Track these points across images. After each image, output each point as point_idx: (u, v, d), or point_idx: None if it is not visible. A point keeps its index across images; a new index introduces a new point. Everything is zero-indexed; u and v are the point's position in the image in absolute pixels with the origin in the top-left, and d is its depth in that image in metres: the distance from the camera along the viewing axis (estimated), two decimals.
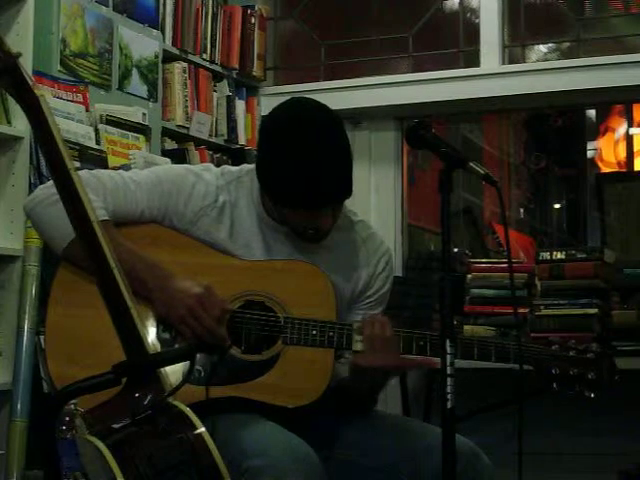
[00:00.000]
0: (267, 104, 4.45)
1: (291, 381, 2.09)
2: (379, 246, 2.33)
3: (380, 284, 2.30)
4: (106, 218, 2.11)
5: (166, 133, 3.91)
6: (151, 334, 2.09)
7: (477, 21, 4.34)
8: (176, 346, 2.09)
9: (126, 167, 3.09)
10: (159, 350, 2.06)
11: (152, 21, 3.80)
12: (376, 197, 4.38)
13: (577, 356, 2.12)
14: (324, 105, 2.18)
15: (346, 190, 2.13)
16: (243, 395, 2.06)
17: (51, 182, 2.10)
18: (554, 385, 2.10)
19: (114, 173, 2.27)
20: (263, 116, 2.25)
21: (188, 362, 1.76)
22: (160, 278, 2.09)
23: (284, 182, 2.09)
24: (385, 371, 2.13)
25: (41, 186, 2.20)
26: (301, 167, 2.08)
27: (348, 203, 2.24)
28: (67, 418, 2.87)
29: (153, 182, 2.20)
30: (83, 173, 2.22)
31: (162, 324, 2.11)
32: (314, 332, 2.10)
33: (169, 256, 2.14)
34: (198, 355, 1.81)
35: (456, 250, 4.82)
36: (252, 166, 2.31)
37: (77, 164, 3.02)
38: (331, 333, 2.10)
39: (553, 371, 2.10)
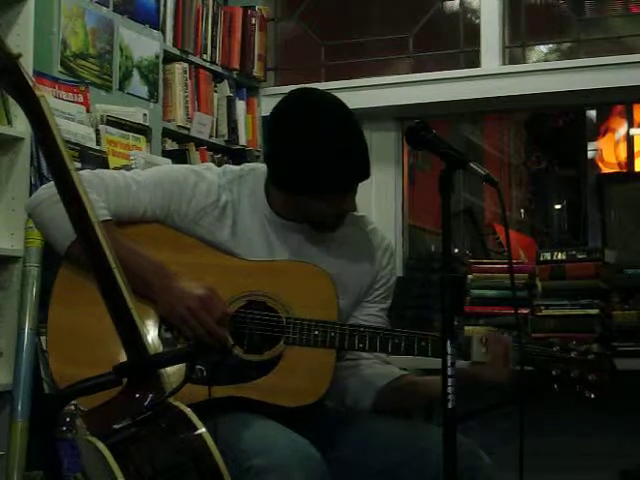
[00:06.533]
0: (268, 105, 4.45)
1: (293, 381, 2.08)
2: (382, 240, 2.35)
3: (387, 278, 2.33)
4: (108, 218, 2.11)
5: (167, 134, 3.91)
6: (153, 334, 2.09)
7: (477, 22, 4.34)
8: (178, 346, 2.09)
9: (127, 168, 3.08)
10: (160, 350, 2.07)
11: (153, 22, 3.80)
12: (377, 197, 4.37)
13: (578, 357, 2.12)
14: (327, 92, 2.21)
15: (369, 167, 2.16)
16: (245, 395, 2.06)
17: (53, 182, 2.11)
18: (555, 386, 2.11)
19: (116, 173, 2.27)
20: (272, 111, 2.23)
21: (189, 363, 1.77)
22: (163, 278, 2.09)
23: (316, 168, 2.09)
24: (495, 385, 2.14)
25: (43, 186, 2.20)
26: (333, 149, 2.09)
27: None
28: (68, 419, 2.88)
29: (155, 182, 2.20)
30: (85, 173, 2.22)
31: (164, 324, 2.11)
32: (316, 332, 2.10)
33: (171, 256, 2.14)
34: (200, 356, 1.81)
35: (457, 251, 4.82)
36: (254, 164, 2.31)
37: (78, 165, 3.02)
38: (333, 333, 2.10)
39: (554, 372, 2.11)
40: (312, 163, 2.09)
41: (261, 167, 2.27)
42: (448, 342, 1.74)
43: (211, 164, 2.33)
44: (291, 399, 2.07)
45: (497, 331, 2.19)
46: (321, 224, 2.20)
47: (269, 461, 1.87)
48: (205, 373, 2.04)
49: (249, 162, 3.99)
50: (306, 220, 2.20)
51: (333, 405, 2.25)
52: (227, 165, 2.33)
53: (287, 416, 2.04)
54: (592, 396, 2.09)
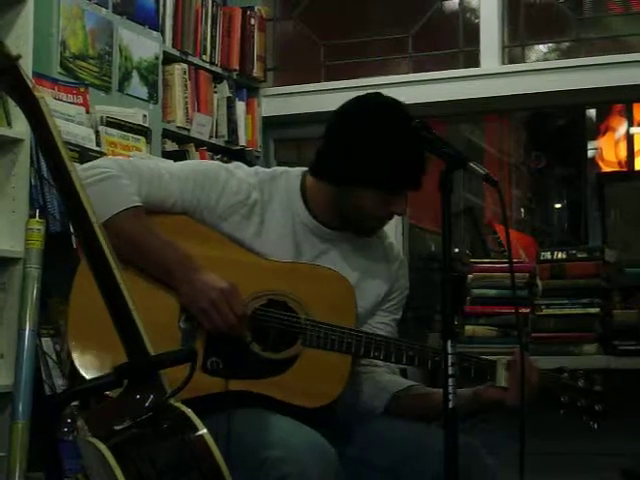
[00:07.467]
0: (267, 105, 4.45)
1: (307, 382, 2.10)
2: (398, 254, 2.38)
3: (401, 289, 2.35)
4: (139, 204, 2.13)
5: (166, 135, 3.91)
6: (173, 324, 2.10)
7: (477, 21, 4.34)
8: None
9: None
10: (179, 339, 2.08)
11: (152, 23, 3.80)
12: None
13: (585, 387, 2.16)
14: None
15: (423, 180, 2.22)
16: (259, 391, 2.07)
17: (88, 165, 2.18)
18: (561, 412, 2.14)
19: (150, 162, 2.30)
20: (344, 108, 2.26)
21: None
22: (189, 270, 2.10)
23: (389, 161, 2.13)
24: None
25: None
26: (407, 148, 2.12)
27: None
28: (69, 420, 2.88)
29: (187, 175, 2.21)
30: (121, 159, 2.27)
31: (184, 314, 2.12)
32: (333, 337, 2.11)
33: (196, 249, 2.14)
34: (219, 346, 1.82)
35: (457, 250, 4.83)
36: (287, 168, 2.32)
37: (77, 166, 3.02)
38: (350, 340, 2.12)
39: (562, 399, 2.14)
40: (386, 157, 2.13)
41: (295, 170, 2.29)
42: (449, 341, 1.74)
43: (241, 163, 2.34)
44: (305, 399, 2.09)
45: (518, 352, 2.17)
46: (363, 227, 2.23)
47: (285, 452, 1.88)
48: (222, 365, 2.05)
49: (249, 163, 4.01)
50: (349, 220, 2.22)
51: (344, 409, 2.25)
52: (258, 166, 2.36)
53: (298, 415, 2.04)
54: (595, 427, 2.12)
